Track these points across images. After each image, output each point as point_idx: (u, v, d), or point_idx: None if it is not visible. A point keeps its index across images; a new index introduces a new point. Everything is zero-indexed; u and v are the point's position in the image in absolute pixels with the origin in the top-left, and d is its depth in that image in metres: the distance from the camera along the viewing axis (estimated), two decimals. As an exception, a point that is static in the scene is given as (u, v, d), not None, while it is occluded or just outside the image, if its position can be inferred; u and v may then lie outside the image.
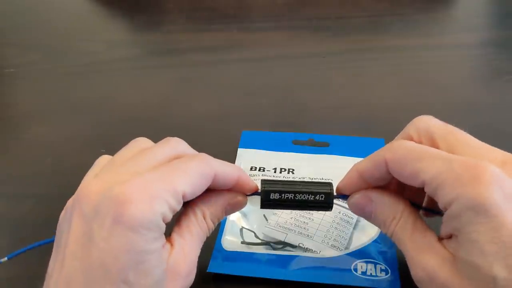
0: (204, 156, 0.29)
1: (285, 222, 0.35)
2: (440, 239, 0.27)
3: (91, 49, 0.59)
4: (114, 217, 0.24)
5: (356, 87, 0.52)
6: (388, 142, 0.40)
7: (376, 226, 0.30)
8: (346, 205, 0.36)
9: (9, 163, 0.44)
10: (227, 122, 0.47)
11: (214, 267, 0.33)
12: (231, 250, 0.34)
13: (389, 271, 0.32)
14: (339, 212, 0.36)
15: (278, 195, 0.30)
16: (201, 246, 0.29)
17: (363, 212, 0.30)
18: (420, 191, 0.30)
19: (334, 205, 0.36)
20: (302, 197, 0.30)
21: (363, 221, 0.36)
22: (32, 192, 0.41)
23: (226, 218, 0.36)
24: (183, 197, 0.27)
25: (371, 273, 0.32)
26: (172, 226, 0.28)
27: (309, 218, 0.36)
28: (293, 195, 0.30)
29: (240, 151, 0.42)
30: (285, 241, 0.34)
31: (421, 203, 0.31)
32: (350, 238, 0.35)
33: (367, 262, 0.33)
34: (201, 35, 0.61)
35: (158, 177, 0.26)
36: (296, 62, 0.56)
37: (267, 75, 0.54)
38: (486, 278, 0.24)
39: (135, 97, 0.51)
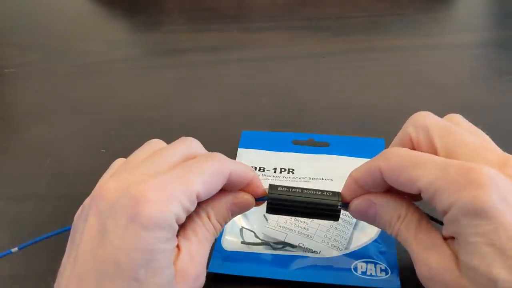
0: (219, 156, 0.29)
1: (285, 222, 0.35)
2: (446, 239, 0.27)
3: (91, 49, 0.59)
4: (129, 216, 0.25)
5: (356, 87, 0.52)
6: (388, 142, 0.40)
7: (381, 228, 0.30)
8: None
9: (9, 163, 0.44)
10: (227, 122, 0.47)
11: (214, 267, 0.33)
12: (231, 250, 0.34)
13: (389, 271, 0.32)
14: (339, 212, 0.36)
15: (285, 201, 0.30)
16: (209, 247, 0.29)
17: (366, 216, 0.30)
18: (419, 196, 0.30)
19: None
20: (309, 207, 0.30)
21: (363, 222, 0.36)
22: (32, 192, 0.41)
23: (226, 218, 0.36)
24: (198, 197, 0.27)
25: (371, 273, 0.32)
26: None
27: (309, 219, 0.36)
28: (300, 202, 0.30)
29: (240, 151, 0.42)
30: (285, 241, 0.34)
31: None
32: (350, 238, 0.35)
33: (367, 262, 0.33)
34: (201, 35, 0.61)
35: (174, 178, 0.26)
36: (296, 62, 0.56)
37: (267, 75, 0.54)
38: (485, 280, 0.24)
39: (135, 97, 0.51)
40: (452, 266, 0.26)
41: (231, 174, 0.28)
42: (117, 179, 0.27)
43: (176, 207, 0.26)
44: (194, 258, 0.27)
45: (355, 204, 0.30)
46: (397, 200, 0.29)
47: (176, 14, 0.65)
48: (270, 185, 0.31)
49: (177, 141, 0.30)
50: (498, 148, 0.29)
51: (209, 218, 0.29)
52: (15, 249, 0.31)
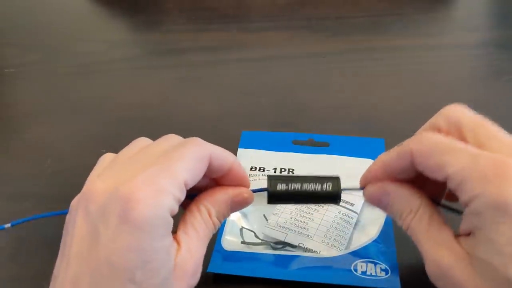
0: (196, 139, 0.28)
1: (285, 222, 0.35)
2: (457, 236, 0.27)
3: (91, 49, 0.59)
4: (121, 217, 0.24)
5: (356, 87, 0.52)
6: (388, 142, 0.40)
7: (392, 218, 0.30)
8: (346, 205, 0.36)
9: (9, 163, 0.44)
10: (227, 122, 0.47)
11: (214, 267, 0.33)
12: (231, 250, 0.34)
13: (389, 271, 0.32)
14: (339, 212, 0.36)
15: (285, 186, 0.30)
16: (207, 244, 0.29)
17: (379, 203, 0.30)
18: (441, 188, 0.30)
19: (334, 206, 0.36)
20: (309, 187, 0.30)
21: (363, 221, 0.36)
22: (32, 192, 0.41)
23: (226, 218, 0.36)
24: (185, 185, 0.26)
25: (371, 273, 0.32)
26: (177, 223, 0.28)
27: (309, 218, 0.36)
28: (300, 185, 0.30)
29: (240, 151, 0.42)
30: (285, 241, 0.34)
31: (442, 193, 0.31)
32: (350, 238, 0.35)
33: (367, 262, 0.33)
34: (201, 35, 0.61)
35: (159, 170, 0.26)
36: (296, 62, 0.56)
37: (267, 75, 0.54)
38: (501, 279, 0.24)
39: (135, 97, 0.51)
40: (463, 264, 0.25)
41: (211, 158, 0.28)
42: (104, 179, 0.27)
43: (168, 200, 0.25)
44: (193, 254, 0.27)
45: (370, 190, 0.30)
46: (411, 193, 0.29)
47: (176, 14, 0.65)
48: (268, 175, 0.30)
49: (161, 137, 0.30)
50: None
51: (209, 215, 0.29)
52: (7, 225, 0.31)
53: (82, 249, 0.25)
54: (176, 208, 0.26)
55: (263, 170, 0.40)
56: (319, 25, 0.62)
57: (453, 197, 0.31)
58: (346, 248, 0.34)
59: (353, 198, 0.37)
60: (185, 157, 0.27)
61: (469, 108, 0.30)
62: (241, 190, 0.30)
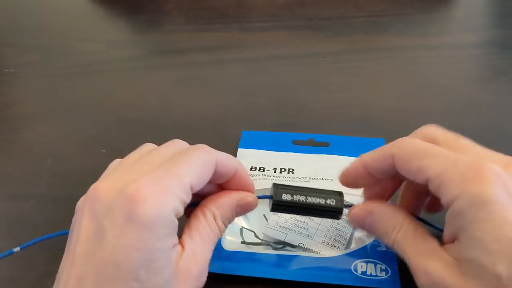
0: (204, 147, 0.29)
1: (285, 222, 0.35)
2: (442, 245, 0.27)
3: (91, 49, 0.59)
4: (126, 216, 0.24)
5: (356, 87, 0.52)
6: (388, 142, 0.40)
7: (377, 238, 0.31)
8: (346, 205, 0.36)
9: (9, 163, 0.44)
10: (227, 122, 0.47)
11: (214, 267, 0.33)
12: (231, 250, 0.34)
13: (389, 270, 0.32)
14: (339, 212, 0.36)
15: (290, 197, 0.30)
16: (213, 248, 0.29)
17: (363, 223, 0.31)
18: (422, 194, 0.31)
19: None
20: (314, 200, 0.31)
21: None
22: (32, 192, 0.41)
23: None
24: (191, 188, 0.27)
25: (371, 273, 0.32)
26: (182, 227, 0.29)
27: (309, 218, 0.36)
28: (304, 197, 0.31)
29: (240, 151, 0.42)
30: (285, 241, 0.34)
31: (422, 205, 0.32)
32: (350, 238, 0.35)
33: (367, 262, 0.33)
34: (201, 35, 0.61)
35: (166, 173, 0.26)
36: (296, 62, 0.56)
37: (267, 75, 0.54)
38: (490, 277, 0.24)
39: (135, 97, 0.51)
40: (452, 270, 0.26)
41: (217, 163, 0.28)
42: (111, 179, 0.27)
43: (173, 201, 0.26)
44: (198, 257, 0.27)
45: (353, 212, 0.31)
46: (394, 210, 0.30)
47: (176, 14, 0.65)
48: (274, 184, 0.31)
49: (167, 142, 0.31)
50: (501, 154, 0.29)
51: (214, 219, 0.29)
52: (16, 249, 0.31)
53: (88, 248, 0.25)
54: (181, 210, 0.26)
55: (263, 170, 0.40)
56: (319, 25, 0.62)
57: (433, 206, 0.32)
58: (346, 248, 0.34)
59: (353, 198, 0.37)
60: (192, 161, 0.27)
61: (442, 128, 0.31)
62: (246, 195, 0.30)
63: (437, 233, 0.29)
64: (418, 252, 0.28)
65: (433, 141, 0.29)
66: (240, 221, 0.36)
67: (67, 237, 0.28)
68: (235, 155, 0.42)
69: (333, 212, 0.31)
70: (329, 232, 0.34)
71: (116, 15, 0.67)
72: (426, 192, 0.31)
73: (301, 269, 0.32)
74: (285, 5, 0.66)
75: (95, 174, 0.42)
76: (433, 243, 0.28)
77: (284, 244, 0.34)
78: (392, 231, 0.29)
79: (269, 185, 0.38)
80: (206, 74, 0.54)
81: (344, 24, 0.62)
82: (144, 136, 0.46)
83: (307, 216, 0.34)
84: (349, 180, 0.31)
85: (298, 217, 0.36)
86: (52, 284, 0.27)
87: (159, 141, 0.44)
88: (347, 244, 0.34)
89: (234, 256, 0.34)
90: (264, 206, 0.37)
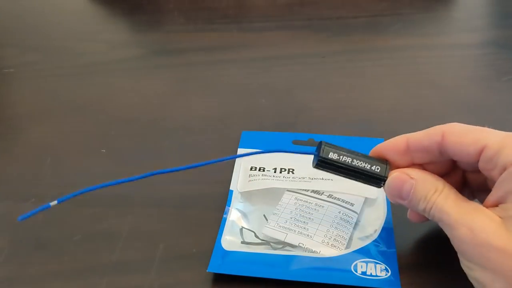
0: None
1: (285, 222, 0.35)
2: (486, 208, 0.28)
3: (91, 49, 0.59)
4: None
5: (356, 87, 0.52)
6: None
7: (412, 205, 0.30)
8: (346, 205, 0.36)
9: (9, 163, 0.44)
10: (227, 122, 0.47)
11: (214, 267, 0.33)
12: (231, 250, 0.34)
13: (389, 270, 0.32)
14: (339, 212, 0.36)
15: (336, 156, 0.31)
16: None
17: (400, 190, 0.30)
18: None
19: (334, 205, 0.36)
20: (359, 164, 0.31)
21: (363, 221, 0.36)
22: (32, 192, 0.41)
23: (225, 218, 0.36)
24: None
25: (371, 273, 0.32)
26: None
27: (309, 218, 0.36)
28: (350, 159, 0.31)
29: (240, 151, 0.42)
30: (285, 241, 0.34)
31: None
32: (350, 238, 0.35)
33: (367, 262, 0.33)
34: (201, 35, 0.61)
35: None
36: (296, 62, 0.56)
37: (267, 75, 0.54)
38: None
39: (135, 97, 0.51)
40: (496, 226, 0.26)
41: None
42: None
43: None
44: None
45: (394, 176, 0.31)
46: (434, 176, 0.30)
47: (176, 14, 0.65)
48: (323, 142, 0.32)
49: None
50: None
51: None
52: (53, 203, 0.31)
53: None
54: None
55: (263, 170, 0.40)
56: (319, 25, 0.62)
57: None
58: (346, 248, 0.34)
59: (353, 198, 0.37)
60: None
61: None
62: None
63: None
64: (462, 211, 0.28)
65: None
66: (240, 221, 0.36)
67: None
68: (235, 155, 0.42)
69: (376, 179, 0.31)
70: (329, 232, 0.34)
71: (116, 15, 0.67)
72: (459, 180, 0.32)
73: (301, 269, 0.32)
74: (285, 5, 0.66)
75: (95, 174, 0.42)
76: (475, 204, 0.28)
77: (284, 244, 0.34)
78: (433, 194, 0.29)
79: (269, 185, 0.38)
80: (206, 74, 0.54)
81: (344, 24, 0.62)
82: (144, 136, 0.46)
83: (349, 179, 0.33)
84: (383, 150, 0.32)
85: (298, 217, 0.36)
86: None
87: (159, 141, 0.44)
88: (347, 244, 0.34)
89: (234, 256, 0.34)
90: (264, 205, 0.37)
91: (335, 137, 0.43)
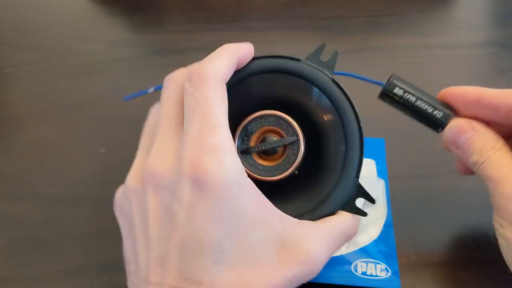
0: (209, 71, 0.27)
1: (285, 222, 0.35)
2: None
3: (90, 49, 0.59)
4: (194, 194, 0.24)
5: (356, 87, 0.51)
6: (388, 142, 0.40)
7: (465, 156, 0.30)
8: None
9: (9, 163, 0.44)
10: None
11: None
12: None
13: (390, 270, 0.32)
14: (339, 212, 0.36)
15: (402, 92, 0.31)
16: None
17: (458, 138, 0.30)
18: None
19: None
20: (422, 105, 0.31)
21: (364, 221, 0.36)
22: (32, 192, 0.41)
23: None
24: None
25: (371, 273, 0.32)
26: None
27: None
28: (415, 98, 0.31)
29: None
30: (285, 241, 0.34)
31: None
32: (350, 238, 0.34)
33: (367, 262, 0.33)
34: (201, 35, 0.61)
35: (203, 128, 0.25)
36: (296, 62, 0.56)
37: (267, 75, 0.54)
38: None
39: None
40: None
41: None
42: (160, 158, 0.26)
43: (231, 159, 0.25)
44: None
45: (456, 123, 0.31)
46: (496, 134, 0.30)
47: (175, 13, 0.65)
48: (394, 75, 0.32)
49: (163, 89, 0.30)
50: None
51: None
52: (151, 90, 0.32)
53: (161, 231, 0.25)
54: (239, 159, 0.26)
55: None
56: (319, 25, 0.62)
57: None
58: (346, 248, 0.34)
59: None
60: (217, 99, 0.26)
61: None
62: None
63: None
64: None
65: None
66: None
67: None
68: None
69: (435, 124, 0.31)
70: (329, 232, 0.34)
71: (115, 15, 0.66)
72: None
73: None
74: (285, 5, 0.66)
75: (94, 174, 0.42)
76: None
77: (284, 244, 0.34)
78: (490, 150, 0.29)
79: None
80: (206, 74, 0.54)
81: (344, 24, 0.62)
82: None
83: (409, 117, 0.33)
84: (452, 95, 0.32)
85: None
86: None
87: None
88: (347, 244, 0.34)
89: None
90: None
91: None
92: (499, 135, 0.31)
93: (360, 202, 0.37)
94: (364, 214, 0.30)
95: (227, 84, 0.28)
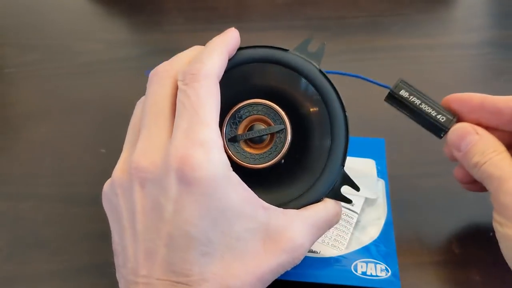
0: (202, 67, 0.28)
1: (285, 222, 0.35)
2: None
3: (91, 49, 0.59)
4: (180, 188, 0.24)
5: (356, 87, 0.52)
6: (388, 142, 0.40)
7: (466, 158, 0.31)
8: (347, 205, 0.36)
9: (9, 163, 0.44)
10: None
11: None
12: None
13: (390, 270, 0.32)
14: (339, 212, 0.36)
15: (407, 94, 0.33)
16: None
17: (461, 140, 0.31)
18: None
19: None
20: (426, 108, 0.32)
21: (363, 221, 0.36)
22: (32, 192, 0.41)
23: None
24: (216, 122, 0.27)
25: (371, 273, 0.32)
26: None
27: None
28: (420, 101, 0.32)
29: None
30: (285, 241, 0.34)
31: None
32: (350, 238, 0.35)
33: (367, 262, 0.33)
34: (201, 35, 0.61)
35: (192, 122, 0.25)
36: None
37: (267, 75, 0.54)
38: None
39: (135, 97, 0.51)
40: None
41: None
42: (145, 152, 0.26)
43: (217, 152, 0.25)
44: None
45: (459, 126, 0.32)
46: (498, 140, 0.31)
47: (176, 14, 0.65)
48: (400, 79, 0.33)
49: (149, 82, 0.30)
50: None
51: None
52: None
53: (149, 224, 0.25)
54: (224, 154, 0.26)
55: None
56: (319, 25, 0.62)
57: None
58: (346, 248, 0.34)
59: (353, 198, 0.37)
60: (207, 97, 0.26)
61: None
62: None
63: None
64: None
65: None
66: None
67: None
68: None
69: (438, 128, 0.32)
70: (329, 232, 0.34)
71: (115, 14, 0.67)
72: None
73: (300, 269, 0.32)
74: (285, 5, 0.66)
75: (94, 174, 0.42)
76: None
77: (284, 244, 0.34)
78: (492, 152, 0.30)
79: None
80: (206, 74, 0.54)
81: (344, 24, 0.62)
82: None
83: (413, 120, 0.34)
84: (455, 101, 0.33)
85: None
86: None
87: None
88: (347, 244, 0.34)
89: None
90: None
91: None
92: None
93: (360, 200, 0.37)
94: (349, 201, 0.30)
95: None
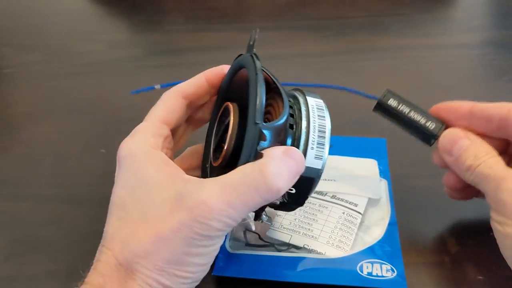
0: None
1: (289, 224, 0.35)
2: None
3: (91, 49, 0.59)
4: (117, 163, 0.30)
5: (356, 87, 0.52)
6: (389, 142, 0.40)
7: (458, 162, 0.31)
8: (350, 206, 0.36)
9: (9, 163, 0.44)
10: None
11: (219, 270, 0.32)
12: (235, 252, 0.34)
13: (395, 271, 0.32)
14: (343, 213, 0.36)
15: (396, 103, 0.33)
16: None
17: (453, 145, 0.32)
18: None
19: (338, 205, 0.36)
20: (415, 116, 0.33)
21: (368, 222, 0.36)
22: (32, 192, 0.41)
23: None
24: (164, 122, 0.32)
25: (376, 273, 0.32)
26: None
27: (313, 219, 0.35)
28: (408, 109, 0.33)
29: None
30: (290, 242, 0.34)
31: None
32: (355, 238, 0.34)
33: (372, 263, 0.33)
34: (201, 35, 0.61)
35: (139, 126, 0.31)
36: (296, 62, 0.56)
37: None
38: None
39: (135, 97, 0.51)
40: None
41: (183, 90, 0.33)
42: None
43: (140, 137, 0.30)
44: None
45: (450, 130, 0.32)
46: (489, 145, 0.31)
47: (176, 14, 0.65)
48: (388, 90, 0.34)
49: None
50: None
51: None
52: (157, 86, 0.35)
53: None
54: (158, 142, 0.30)
55: (266, 171, 0.40)
56: (319, 25, 0.62)
57: None
58: (351, 249, 0.34)
59: (356, 199, 0.37)
60: (157, 104, 0.32)
61: None
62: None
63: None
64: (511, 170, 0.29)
65: None
66: (244, 224, 0.36)
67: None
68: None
69: (427, 136, 0.33)
70: (333, 233, 0.34)
71: (116, 15, 0.66)
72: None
73: (306, 271, 0.32)
74: (285, 5, 0.66)
75: (94, 174, 0.42)
76: None
77: (289, 246, 0.34)
78: (485, 155, 0.30)
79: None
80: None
81: (344, 24, 0.62)
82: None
83: (403, 129, 0.34)
84: (445, 109, 0.33)
85: (302, 218, 0.35)
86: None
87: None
88: (352, 245, 0.34)
89: (239, 258, 0.33)
90: (268, 207, 0.37)
91: (337, 138, 0.43)
92: None
93: (363, 201, 0.37)
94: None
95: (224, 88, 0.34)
